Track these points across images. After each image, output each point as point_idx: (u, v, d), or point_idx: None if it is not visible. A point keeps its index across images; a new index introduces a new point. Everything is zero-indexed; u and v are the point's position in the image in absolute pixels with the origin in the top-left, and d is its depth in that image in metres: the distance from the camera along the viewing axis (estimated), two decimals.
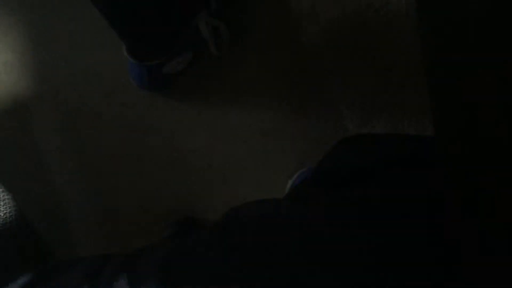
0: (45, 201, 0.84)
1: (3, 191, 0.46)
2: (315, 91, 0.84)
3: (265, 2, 0.86)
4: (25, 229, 0.46)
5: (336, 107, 0.84)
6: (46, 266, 0.43)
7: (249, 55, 0.85)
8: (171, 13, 0.67)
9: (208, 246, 0.34)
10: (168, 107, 0.85)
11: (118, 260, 0.36)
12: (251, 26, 0.85)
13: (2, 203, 0.43)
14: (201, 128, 0.84)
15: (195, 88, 0.85)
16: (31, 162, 0.84)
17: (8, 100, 0.86)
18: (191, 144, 0.84)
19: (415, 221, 0.30)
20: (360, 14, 0.84)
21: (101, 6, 0.62)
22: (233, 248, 0.32)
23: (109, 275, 0.35)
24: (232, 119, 0.84)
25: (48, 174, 0.84)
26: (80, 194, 0.84)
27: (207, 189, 0.84)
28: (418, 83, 0.82)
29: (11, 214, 0.44)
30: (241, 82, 0.85)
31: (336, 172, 0.38)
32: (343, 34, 0.84)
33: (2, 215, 0.42)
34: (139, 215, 0.83)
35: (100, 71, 0.85)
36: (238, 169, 0.84)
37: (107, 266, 0.36)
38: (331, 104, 0.84)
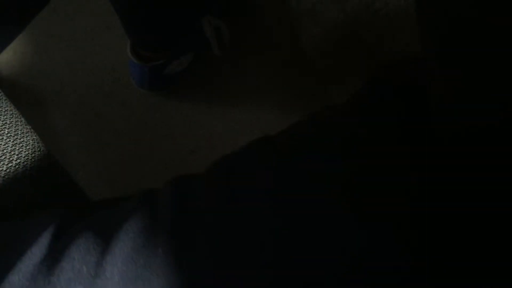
0: None
1: (30, 129, 0.44)
2: (315, 91, 0.84)
3: (265, 2, 0.86)
4: (57, 168, 0.43)
5: None
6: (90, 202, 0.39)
7: (249, 55, 0.85)
8: (181, 10, 0.68)
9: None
10: (168, 107, 0.85)
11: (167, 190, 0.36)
12: (251, 27, 0.85)
13: (29, 138, 0.41)
14: (201, 128, 0.84)
15: (195, 89, 0.85)
16: None
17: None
18: (191, 144, 0.84)
19: None
20: (360, 14, 0.83)
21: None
22: None
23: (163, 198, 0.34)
24: (232, 119, 0.84)
25: None
26: None
27: None
28: None
29: (39, 149, 0.41)
30: (241, 82, 0.85)
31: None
32: (343, 34, 0.84)
33: (30, 150, 0.40)
34: None
35: (100, 71, 0.85)
36: None
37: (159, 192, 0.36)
38: (331, 103, 0.84)
